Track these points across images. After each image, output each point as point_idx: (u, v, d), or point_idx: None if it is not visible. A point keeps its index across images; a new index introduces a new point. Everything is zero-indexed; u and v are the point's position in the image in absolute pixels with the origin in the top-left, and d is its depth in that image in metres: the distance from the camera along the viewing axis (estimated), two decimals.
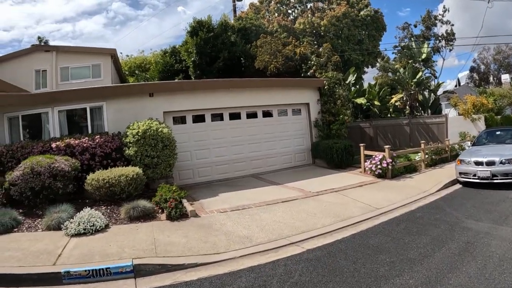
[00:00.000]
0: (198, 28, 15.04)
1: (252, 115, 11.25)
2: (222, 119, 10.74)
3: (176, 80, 14.76)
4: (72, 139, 8.21)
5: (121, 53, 25.42)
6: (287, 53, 15.07)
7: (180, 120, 10.21)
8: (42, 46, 16.28)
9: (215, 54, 15.09)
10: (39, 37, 22.27)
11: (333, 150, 10.71)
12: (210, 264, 4.78)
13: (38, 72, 14.61)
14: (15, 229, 5.92)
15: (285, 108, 11.97)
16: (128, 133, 8.30)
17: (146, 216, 6.65)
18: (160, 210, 6.98)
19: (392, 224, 6.00)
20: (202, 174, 10.20)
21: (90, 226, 5.84)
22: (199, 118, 10.37)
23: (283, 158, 11.64)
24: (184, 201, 7.21)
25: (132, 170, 7.53)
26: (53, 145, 7.92)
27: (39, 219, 6.23)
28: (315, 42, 19.77)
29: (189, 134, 10.13)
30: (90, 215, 6.07)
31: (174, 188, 7.58)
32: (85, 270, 4.58)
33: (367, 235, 5.56)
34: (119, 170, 7.51)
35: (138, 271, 4.65)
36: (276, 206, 7.25)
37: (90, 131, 9.09)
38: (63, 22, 67.91)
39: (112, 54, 16.22)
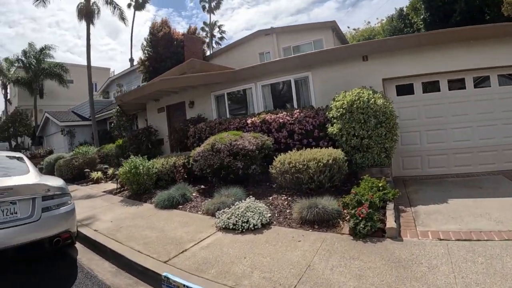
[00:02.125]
0: None
1: (507, 82, 6.89)
2: (463, 87, 7.02)
3: (393, 36, 11.44)
4: (268, 114, 7.23)
5: (348, 27, 24.34)
6: None
7: (405, 89, 7.30)
8: (262, 31, 16.91)
9: (449, 7, 12.38)
10: (272, 27, 24.23)
11: None
12: None
13: (261, 54, 15.58)
14: (180, 206, 5.50)
15: None
16: (332, 106, 6.48)
17: (323, 222, 4.43)
18: (348, 216, 4.55)
19: None
20: (433, 164, 7.22)
21: (243, 222, 4.39)
22: (431, 87, 7.26)
23: None
24: (389, 206, 4.50)
25: (328, 154, 5.55)
26: (249, 121, 7.24)
27: (209, 199, 5.51)
28: None
29: (419, 108, 7.08)
30: (247, 208, 4.63)
31: (380, 184, 4.89)
32: (184, 285, 3.12)
33: None
34: (312, 152, 5.76)
35: None
36: None
37: (295, 105, 7.91)
38: (298, 14, 74.13)
39: (332, 26, 14.76)
